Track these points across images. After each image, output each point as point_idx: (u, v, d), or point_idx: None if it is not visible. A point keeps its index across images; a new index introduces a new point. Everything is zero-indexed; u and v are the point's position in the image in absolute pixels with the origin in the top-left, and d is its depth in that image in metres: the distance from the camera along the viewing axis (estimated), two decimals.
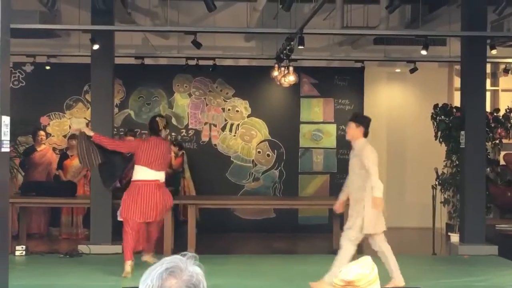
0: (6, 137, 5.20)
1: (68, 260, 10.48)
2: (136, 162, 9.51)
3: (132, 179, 9.60)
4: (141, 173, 9.43)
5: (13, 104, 5.45)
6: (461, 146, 11.72)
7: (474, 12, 11.28)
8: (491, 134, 12.84)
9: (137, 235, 9.52)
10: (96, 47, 11.04)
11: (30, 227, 12.76)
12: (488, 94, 13.72)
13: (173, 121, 14.16)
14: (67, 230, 12.97)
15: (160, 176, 9.56)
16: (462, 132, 11.58)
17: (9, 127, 5.22)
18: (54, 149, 13.83)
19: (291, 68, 12.07)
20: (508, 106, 13.57)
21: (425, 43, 11.15)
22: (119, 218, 9.59)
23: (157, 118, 9.80)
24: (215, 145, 14.14)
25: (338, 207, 8.98)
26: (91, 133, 9.60)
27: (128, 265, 9.28)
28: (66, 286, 9.01)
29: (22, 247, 10.83)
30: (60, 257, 10.67)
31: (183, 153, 13.47)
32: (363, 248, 9.82)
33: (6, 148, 5.21)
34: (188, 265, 2.40)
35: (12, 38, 5.76)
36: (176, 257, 2.41)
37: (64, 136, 13.95)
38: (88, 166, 10.33)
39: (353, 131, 8.49)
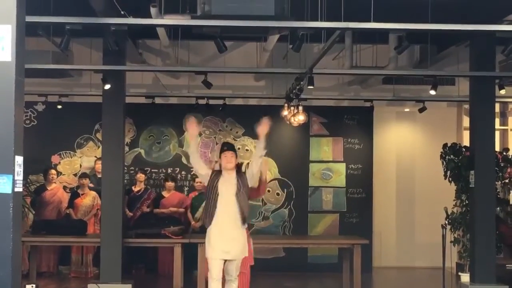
0: (19, 176, 5.23)
1: None
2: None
3: None
4: None
5: (24, 143, 5.49)
6: (470, 186, 11.69)
7: (482, 52, 11.34)
8: (500, 174, 12.85)
9: None
10: (107, 86, 11.14)
11: (40, 266, 12.76)
12: (497, 134, 13.74)
13: (183, 160, 14.22)
14: (77, 269, 12.95)
15: None
16: (472, 172, 11.57)
17: (22, 166, 5.27)
18: (64, 187, 13.88)
19: (300, 108, 12.11)
20: None
21: (434, 83, 11.23)
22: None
23: None
24: None
25: None
26: None
27: None
28: None
29: (32, 286, 10.78)
30: None
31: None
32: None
33: (19, 188, 5.25)
34: None
35: (25, 78, 5.83)
36: None
37: (75, 175, 14.01)
38: None
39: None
